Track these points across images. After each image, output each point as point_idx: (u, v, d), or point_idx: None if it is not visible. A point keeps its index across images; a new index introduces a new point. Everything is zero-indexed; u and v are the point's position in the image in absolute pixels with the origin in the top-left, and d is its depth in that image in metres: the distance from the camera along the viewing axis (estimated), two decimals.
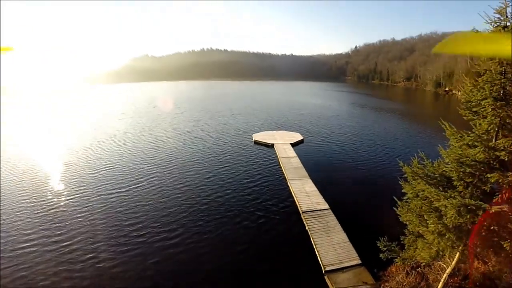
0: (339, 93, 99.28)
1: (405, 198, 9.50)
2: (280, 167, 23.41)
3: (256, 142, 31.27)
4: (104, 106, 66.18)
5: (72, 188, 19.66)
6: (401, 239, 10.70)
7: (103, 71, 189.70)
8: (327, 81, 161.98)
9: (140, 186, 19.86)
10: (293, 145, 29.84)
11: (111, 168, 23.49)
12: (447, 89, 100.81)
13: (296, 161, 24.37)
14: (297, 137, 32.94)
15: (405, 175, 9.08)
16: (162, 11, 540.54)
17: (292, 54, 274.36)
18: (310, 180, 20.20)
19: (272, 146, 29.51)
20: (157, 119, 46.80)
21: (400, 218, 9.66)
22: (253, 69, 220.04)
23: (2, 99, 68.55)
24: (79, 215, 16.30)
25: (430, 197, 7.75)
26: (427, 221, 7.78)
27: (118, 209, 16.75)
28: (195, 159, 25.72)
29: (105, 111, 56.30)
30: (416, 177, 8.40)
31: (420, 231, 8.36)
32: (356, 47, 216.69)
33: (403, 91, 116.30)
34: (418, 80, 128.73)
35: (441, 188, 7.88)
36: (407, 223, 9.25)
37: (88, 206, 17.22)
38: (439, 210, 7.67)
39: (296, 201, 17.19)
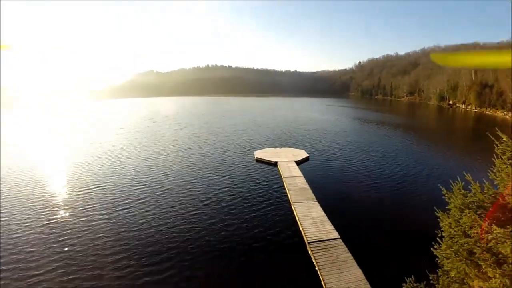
0: (343, 108, 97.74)
1: (443, 233, 7.39)
2: (284, 187, 21.28)
3: (258, 160, 29.22)
4: (104, 121, 64.82)
5: (51, 210, 17.62)
6: (431, 278, 8.63)
7: (108, 86, 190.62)
8: (331, 97, 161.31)
9: (127, 209, 17.68)
10: (298, 163, 27.74)
11: (98, 188, 21.38)
12: (451, 102, 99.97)
13: (301, 181, 22.19)
14: (302, 154, 30.86)
15: (445, 204, 7.04)
16: (162, 11, 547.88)
17: (296, 70, 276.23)
18: (317, 203, 17.92)
19: (275, 164, 27.47)
20: (155, 134, 45.13)
21: (439, 261, 7.51)
22: (256, 85, 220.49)
23: (2, 99, 67.44)
24: (55, 240, 14.28)
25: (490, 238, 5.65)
26: (484, 270, 5.71)
27: (99, 236, 14.63)
28: (190, 179, 23.48)
29: (105, 126, 54.94)
30: (464, 209, 6.31)
31: (475, 286, 6.17)
32: (360, 62, 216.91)
33: (407, 105, 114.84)
34: (421, 94, 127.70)
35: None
36: (450, 269, 6.99)
37: (67, 230, 15.16)
38: (497, 253, 5.68)
39: (301, 229, 14.89)
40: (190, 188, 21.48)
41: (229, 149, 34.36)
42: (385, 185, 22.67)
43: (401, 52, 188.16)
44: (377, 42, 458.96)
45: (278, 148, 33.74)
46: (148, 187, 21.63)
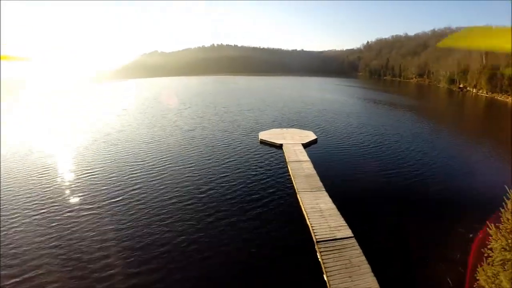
0: (352, 88, 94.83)
1: (492, 254, 5.75)
2: (289, 174, 19.72)
3: (262, 142, 27.65)
4: (106, 102, 62.98)
5: (41, 200, 16.42)
6: None
7: (110, 69, 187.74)
8: (338, 76, 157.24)
9: (117, 201, 16.17)
10: (305, 146, 26.14)
11: (91, 175, 19.97)
12: (461, 85, 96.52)
13: (308, 167, 20.61)
14: (310, 136, 29.18)
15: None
16: (162, 11, 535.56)
17: (302, 49, 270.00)
18: (326, 193, 16.32)
19: (280, 146, 25.89)
20: (158, 115, 43.41)
21: (480, 284, 5.96)
22: (263, 65, 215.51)
23: (2, 99, 65.93)
24: (45, 231, 13.23)
25: None
26: None
27: (86, 232, 13.31)
28: (188, 166, 21.78)
29: (105, 108, 53.14)
30: None
31: None
32: (368, 42, 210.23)
33: (417, 87, 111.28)
34: (431, 77, 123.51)
35: None
36: None
37: (55, 222, 13.99)
38: None
39: (308, 224, 13.28)
40: (187, 175, 19.87)
41: (233, 131, 32.77)
42: (404, 174, 20.63)
43: (411, 33, 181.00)
44: (385, 22, 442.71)
45: (284, 129, 32.10)
46: (142, 174, 20.01)
